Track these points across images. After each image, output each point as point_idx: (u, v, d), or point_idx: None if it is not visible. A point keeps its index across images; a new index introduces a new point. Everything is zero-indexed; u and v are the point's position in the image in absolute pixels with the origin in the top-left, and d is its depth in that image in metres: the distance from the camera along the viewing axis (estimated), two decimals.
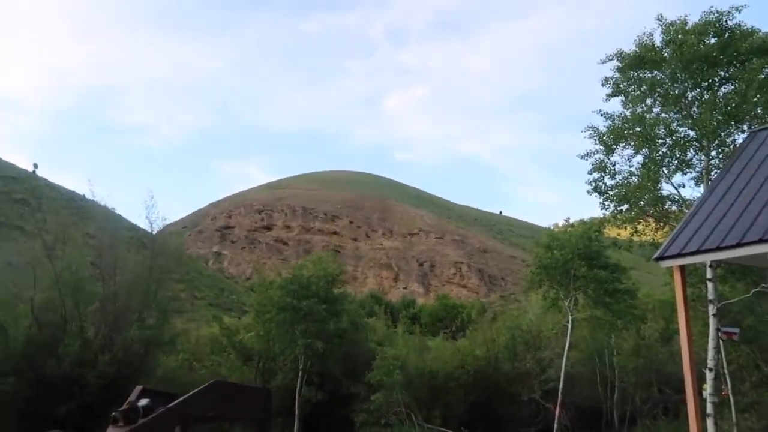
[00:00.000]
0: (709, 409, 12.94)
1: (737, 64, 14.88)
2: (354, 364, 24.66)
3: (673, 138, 15.18)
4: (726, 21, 14.97)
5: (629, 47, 15.41)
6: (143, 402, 6.93)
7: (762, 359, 19.65)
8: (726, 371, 17.12)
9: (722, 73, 15.08)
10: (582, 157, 15.81)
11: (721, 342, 14.20)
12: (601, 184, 15.65)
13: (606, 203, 15.70)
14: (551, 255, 20.58)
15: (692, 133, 15.10)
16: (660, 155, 15.27)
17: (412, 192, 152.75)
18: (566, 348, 20.84)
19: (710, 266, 13.30)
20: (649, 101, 15.42)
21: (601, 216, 17.22)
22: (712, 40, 14.80)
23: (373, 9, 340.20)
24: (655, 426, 21.36)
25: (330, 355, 22.77)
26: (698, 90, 15.06)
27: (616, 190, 15.59)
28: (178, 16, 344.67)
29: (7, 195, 63.85)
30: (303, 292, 22.32)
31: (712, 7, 14.92)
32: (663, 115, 15.30)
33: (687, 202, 15.26)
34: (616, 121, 15.42)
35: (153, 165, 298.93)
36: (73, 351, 19.40)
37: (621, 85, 15.49)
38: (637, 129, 15.17)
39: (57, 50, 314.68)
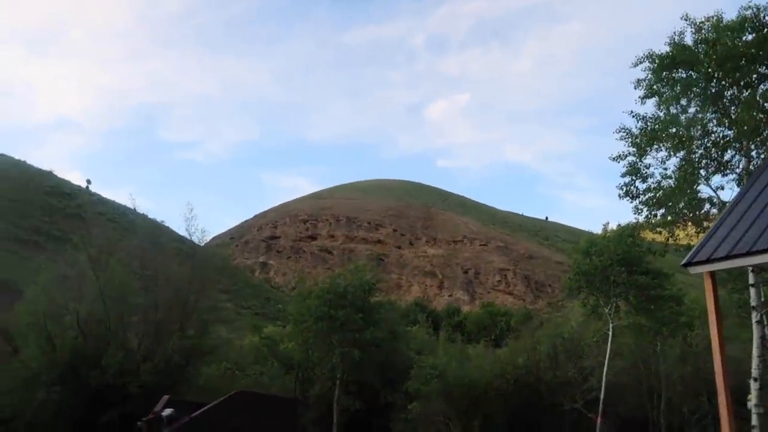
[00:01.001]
0: (754, 420, 12.55)
1: None
2: (392, 373, 24.64)
3: (711, 139, 14.69)
4: (765, 17, 14.40)
5: (659, 48, 14.99)
6: (167, 412, 7.09)
7: None
8: None
9: (762, 69, 14.50)
10: (614, 159, 15.44)
11: (766, 350, 13.60)
12: (632, 187, 15.23)
13: (639, 207, 15.27)
14: (590, 261, 20.18)
15: (730, 133, 14.56)
16: (697, 157, 14.78)
17: (455, 199, 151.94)
18: (607, 356, 20.34)
19: (752, 271, 12.76)
20: (684, 102, 14.94)
21: (635, 221, 16.76)
22: (750, 37, 14.25)
23: (414, 19, 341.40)
24: None
25: (367, 364, 22.83)
26: (736, 88, 14.51)
27: (650, 194, 15.14)
28: (226, 34, 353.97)
29: (63, 210, 66.68)
30: (339, 302, 22.47)
31: (751, 2, 14.40)
32: (699, 115, 14.79)
33: (726, 205, 14.69)
34: (649, 123, 14.98)
35: (203, 179, 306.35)
36: (116, 361, 19.91)
37: (654, 87, 15.05)
38: (672, 130, 14.73)
39: (109, 70, 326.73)
